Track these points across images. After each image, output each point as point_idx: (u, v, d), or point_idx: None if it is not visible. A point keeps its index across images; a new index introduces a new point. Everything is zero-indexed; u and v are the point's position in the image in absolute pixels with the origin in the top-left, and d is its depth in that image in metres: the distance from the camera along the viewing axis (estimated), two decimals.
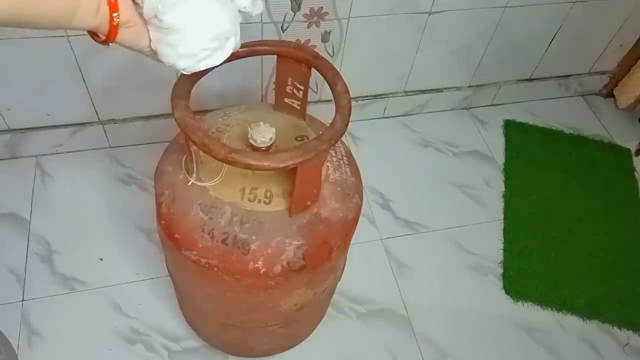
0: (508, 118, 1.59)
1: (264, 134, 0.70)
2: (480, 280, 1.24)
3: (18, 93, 1.18)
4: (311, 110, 0.82)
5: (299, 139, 0.78)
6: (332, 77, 0.70)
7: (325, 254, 0.74)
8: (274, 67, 1.11)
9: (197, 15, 0.49)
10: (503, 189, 1.42)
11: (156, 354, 1.05)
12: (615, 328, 1.20)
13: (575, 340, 1.18)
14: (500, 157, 1.50)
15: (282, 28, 1.19)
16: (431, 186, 1.41)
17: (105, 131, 1.32)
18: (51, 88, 1.18)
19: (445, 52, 1.41)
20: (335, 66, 0.72)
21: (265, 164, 0.59)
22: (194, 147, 0.68)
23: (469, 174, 1.45)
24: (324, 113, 0.88)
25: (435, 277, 1.23)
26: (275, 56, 0.74)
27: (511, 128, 1.57)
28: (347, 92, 0.69)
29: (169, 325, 1.09)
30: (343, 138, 0.69)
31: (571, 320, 1.20)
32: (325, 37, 1.25)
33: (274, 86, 1.32)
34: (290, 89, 0.78)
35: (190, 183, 0.72)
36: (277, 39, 1.20)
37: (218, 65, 0.56)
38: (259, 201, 0.71)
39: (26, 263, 1.14)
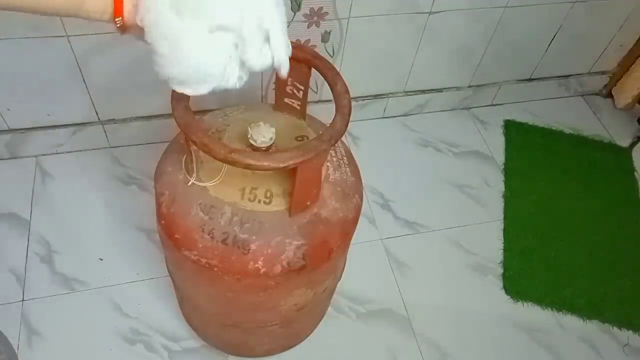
0: (508, 118, 1.59)
1: (264, 134, 0.70)
2: (480, 280, 1.24)
3: (18, 93, 1.18)
4: (311, 110, 0.82)
5: (299, 139, 0.78)
6: (332, 77, 0.70)
7: (325, 254, 0.74)
8: None
9: (179, 45, 0.45)
10: (503, 189, 1.42)
11: (156, 354, 1.05)
12: (615, 328, 1.20)
13: (575, 340, 1.18)
14: (500, 157, 1.50)
15: None
16: (431, 186, 1.41)
17: (105, 131, 1.32)
18: (51, 88, 1.18)
19: (445, 52, 1.41)
20: (335, 66, 0.72)
21: (265, 164, 0.59)
22: (194, 147, 0.68)
23: (469, 174, 1.45)
24: (324, 113, 0.88)
25: (435, 277, 1.23)
26: None
27: (511, 128, 1.57)
28: (347, 92, 0.69)
29: (169, 325, 1.09)
30: (343, 138, 0.69)
31: (571, 320, 1.20)
32: (325, 37, 1.25)
33: (274, 86, 1.32)
34: (290, 89, 0.78)
35: (190, 183, 0.72)
36: None
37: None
38: (259, 201, 0.71)
39: (26, 263, 1.14)
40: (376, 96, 1.48)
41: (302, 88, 0.77)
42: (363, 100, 1.47)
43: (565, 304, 1.22)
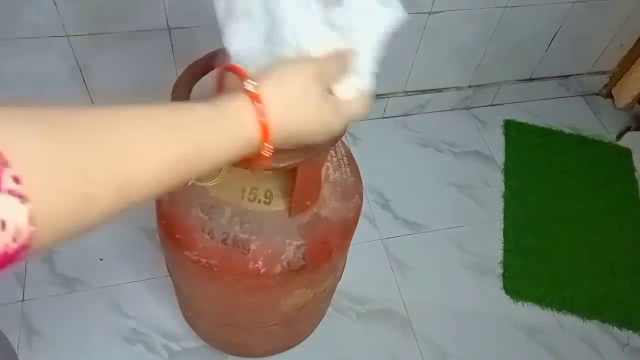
0: (508, 118, 1.59)
1: None
2: (480, 280, 1.24)
3: (18, 93, 1.18)
4: None
5: None
6: None
7: (325, 254, 0.74)
8: None
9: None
10: (503, 189, 1.42)
11: (156, 354, 1.05)
12: (615, 328, 1.20)
13: (575, 340, 1.18)
14: (500, 157, 1.50)
15: None
16: (431, 186, 1.41)
17: None
18: (51, 88, 1.18)
19: (445, 52, 1.41)
20: None
21: None
22: None
23: (469, 174, 1.45)
24: None
25: (435, 277, 1.23)
26: None
27: (511, 128, 1.57)
28: None
29: (169, 325, 1.09)
30: (343, 138, 0.69)
31: (571, 320, 1.20)
32: None
33: None
34: None
35: (190, 183, 0.72)
36: None
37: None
38: (259, 201, 0.71)
39: (26, 263, 1.14)
40: (376, 96, 1.48)
41: None
42: None
43: (565, 304, 1.22)
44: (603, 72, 1.66)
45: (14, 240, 0.24)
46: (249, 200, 0.71)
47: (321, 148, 0.61)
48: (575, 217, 1.38)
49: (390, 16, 0.46)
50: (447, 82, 1.51)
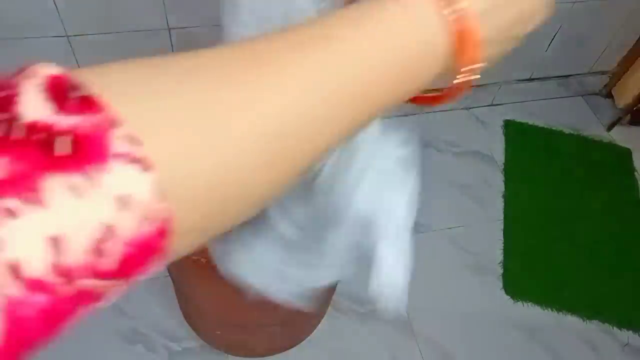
0: (508, 118, 1.59)
1: None
2: (480, 280, 1.24)
3: None
4: None
5: None
6: None
7: None
8: None
9: None
10: (503, 189, 1.42)
11: (156, 354, 1.05)
12: (615, 328, 1.20)
13: (575, 340, 1.18)
14: (500, 157, 1.49)
15: None
16: (431, 186, 1.41)
17: None
18: None
19: None
20: None
21: None
22: None
23: (469, 174, 1.44)
24: None
25: (435, 277, 1.23)
26: None
27: (511, 128, 1.57)
28: None
29: (169, 325, 1.09)
30: None
31: (571, 320, 1.20)
32: None
33: None
34: None
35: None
36: None
37: None
38: None
39: None
40: None
41: None
42: None
43: (565, 304, 1.22)
44: (603, 72, 1.66)
45: (147, 221, 0.17)
46: None
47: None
48: (575, 217, 1.38)
49: None
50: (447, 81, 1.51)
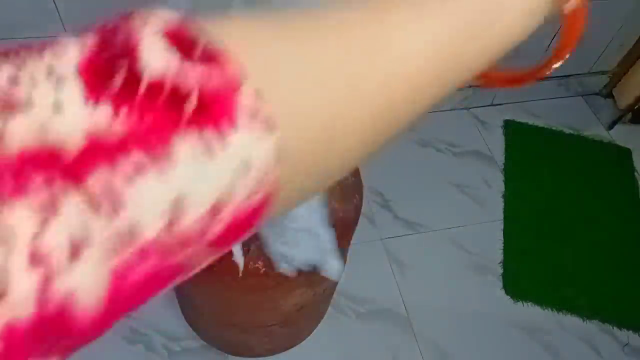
0: (508, 118, 1.59)
1: None
2: (480, 280, 1.24)
3: None
4: None
5: None
6: None
7: None
8: None
9: None
10: (503, 189, 1.42)
11: (156, 354, 1.05)
12: (615, 328, 1.20)
13: (575, 340, 1.18)
14: (500, 157, 1.49)
15: None
16: (431, 186, 1.41)
17: None
18: None
19: None
20: None
21: None
22: None
23: (469, 174, 1.45)
24: None
25: (435, 277, 1.23)
26: None
27: (511, 128, 1.57)
28: None
29: (169, 325, 1.09)
30: None
31: (571, 320, 1.20)
32: None
33: None
34: None
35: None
36: None
37: None
38: None
39: None
40: None
41: None
42: None
43: (565, 304, 1.22)
44: (603, 72, 1.66)
45: (260, 186, 0.16)
46: None
47: None
48: (575, 217, 1.38)
49: None
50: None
